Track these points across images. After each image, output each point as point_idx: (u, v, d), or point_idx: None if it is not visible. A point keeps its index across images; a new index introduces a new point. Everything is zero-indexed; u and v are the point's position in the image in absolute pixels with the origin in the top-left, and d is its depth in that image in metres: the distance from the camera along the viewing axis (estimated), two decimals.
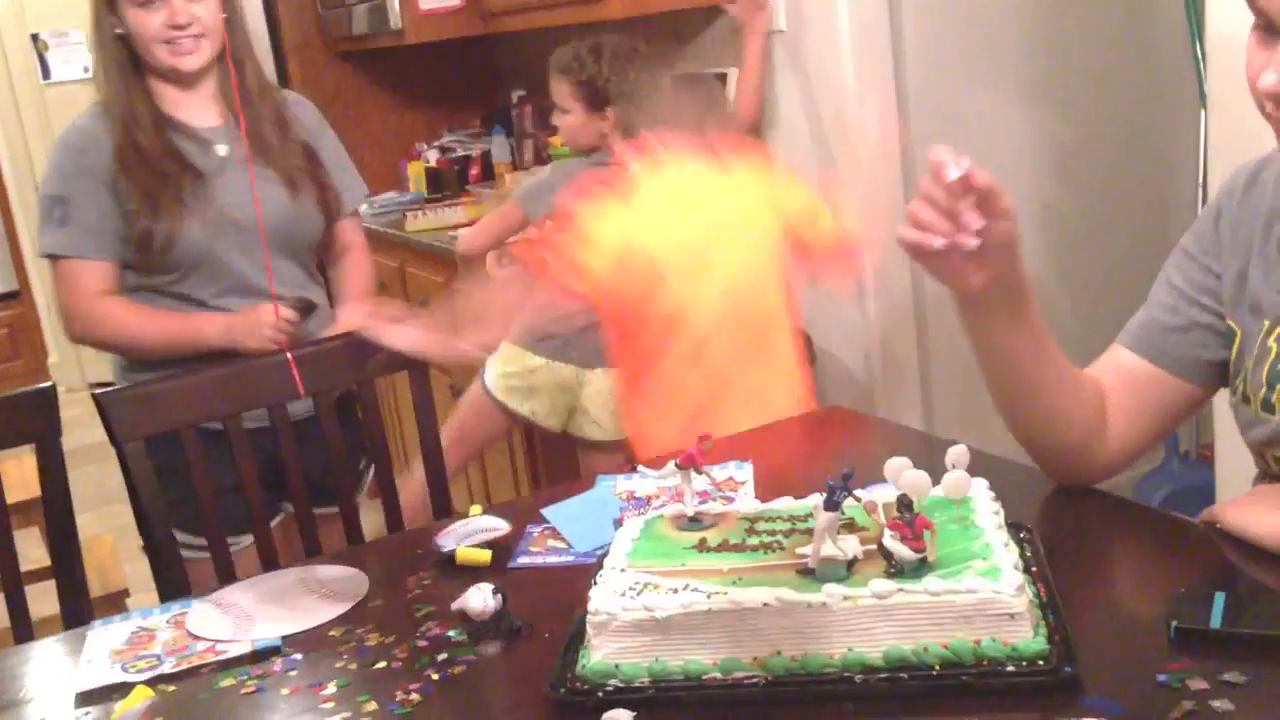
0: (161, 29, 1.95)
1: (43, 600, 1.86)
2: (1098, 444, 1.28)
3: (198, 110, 2.04)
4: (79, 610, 1.78)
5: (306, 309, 2.02)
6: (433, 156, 3.84)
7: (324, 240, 2.16)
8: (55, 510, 1.77)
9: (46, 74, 5.72)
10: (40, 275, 5.99)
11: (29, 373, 5.87)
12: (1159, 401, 1.27)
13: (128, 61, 2.00)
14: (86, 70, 5.65)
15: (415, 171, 3.81)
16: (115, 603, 2.63)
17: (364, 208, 3.68)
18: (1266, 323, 1.15)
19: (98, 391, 1.75)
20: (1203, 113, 2.64)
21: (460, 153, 3.84)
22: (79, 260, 1.99)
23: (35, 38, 5.67)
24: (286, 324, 1.97)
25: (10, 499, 1.76)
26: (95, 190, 1.96)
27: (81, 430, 3.38)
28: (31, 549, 2.27)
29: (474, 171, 3.74)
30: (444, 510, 1.89)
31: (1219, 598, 1.00)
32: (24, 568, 1.80)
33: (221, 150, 2.02)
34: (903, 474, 1.09)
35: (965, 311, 1.23)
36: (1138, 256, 3.04)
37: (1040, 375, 1.24)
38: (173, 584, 1.71)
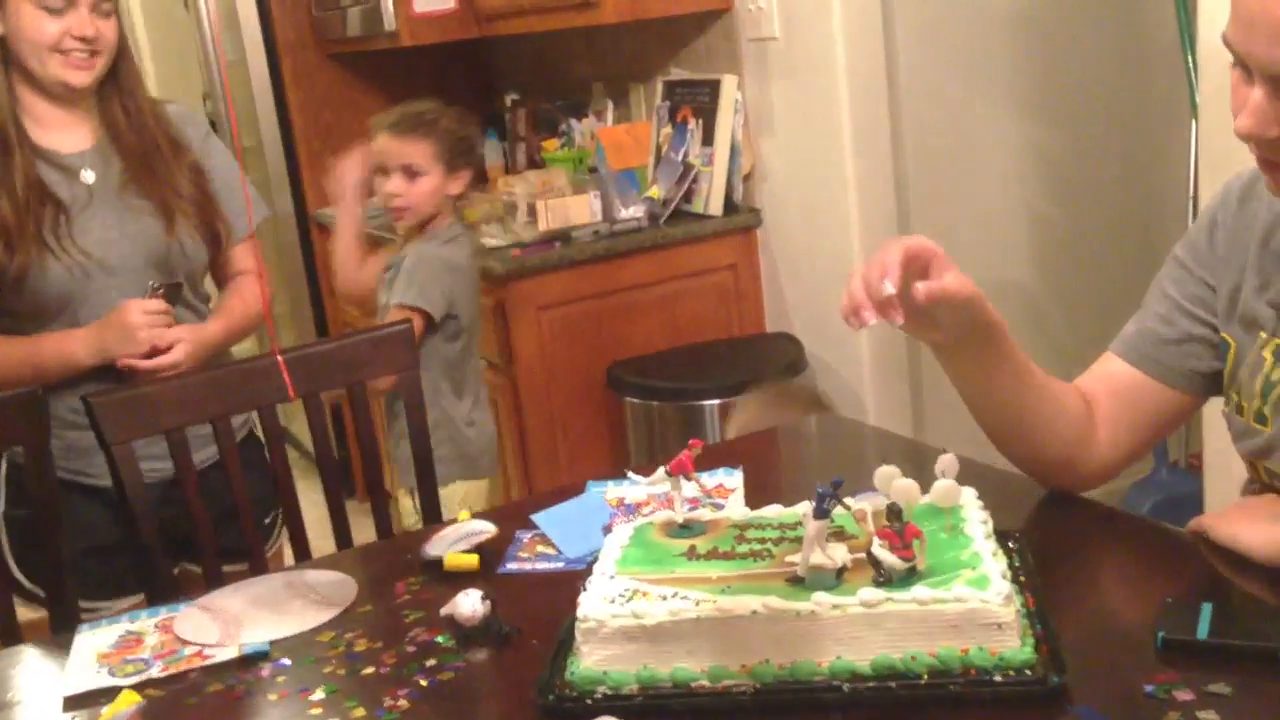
0: (60, 37, 1.77)
1: (28, 604, 1.85)
2: (1084, 454, 1.29)
3: (67, 132, 1.85)
4: (66, 615, 1.77)
5: (171, 292, 1.85)
6: None
7: (216, 269, 2.00)
8: (44, 516, 1.76)
9: None
10: None
11: None
12: (1150, 411, 1.28)
13: (3, 70, 1.79)
14: None
15: None
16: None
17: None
18: (1262, 335, 1.16)
19: (87, 394, 1.74)
20: (1194, 123, 2.64)
21: None
22: None
23: None
24: (158, 316, 1.81)
25: None
26: None
27: None
28: None
29: None
30: (434, 518, 1.89)
31: (1206, 608, 1.01)
32: None
33: (88, 177, 1.83)
34: (892, 482, 1.10)
35: (938, 354, 1.27)
36: (1128, 266, 3.06)
37: (1018, 401, 1.26)
38: (159, 590, 1.70)
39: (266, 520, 1.98)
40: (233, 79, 4.06)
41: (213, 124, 4.52)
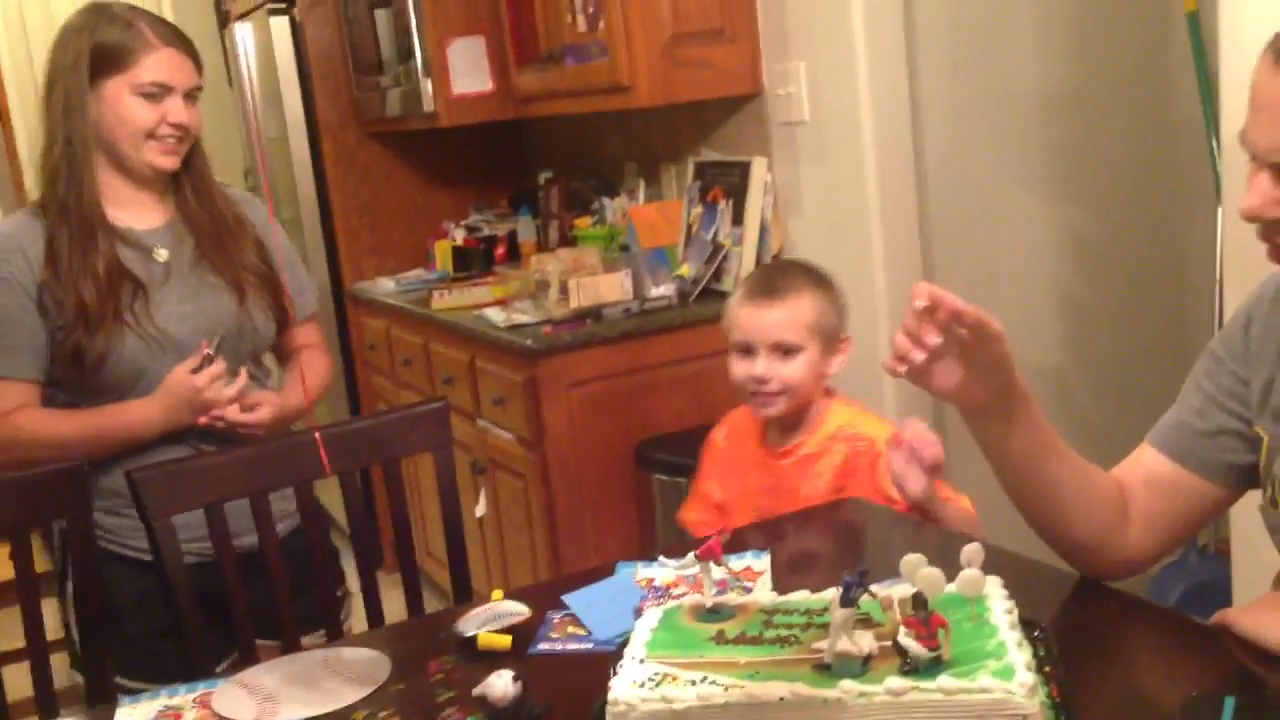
0: (156, 123, 1.84)
1: (59, 671, 1.87)
2: (1116, 542, 1.31)
3: (142, 210, 1.90)
4: (103, 683, 1.80)
5: (216, 350, 1.85)
6: (459, 235, 3.91)
7: (279, 345, 2.06)
8: (84, 587, 1.79)
9: None
10: None
11: None
12: (1186, 502, 1.30)
13: (93, 150, 1.85)
14: None
15: (442, 250, 3.88)
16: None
17: (390, 285, 3.80)
18: None
19: (129, 469, 1.78)
20: (1219, 207, 2.68)
21: (487, 232, 3.91)
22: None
23: None
24: (214, 377, 1.82)
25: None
26: (19, 306, 1.81)
27: None
28: (49, 616, 2.30)
29: (500, 251, 3.81)
30: (465, 594, 1.91)
31: (1229, 702, 1.02)
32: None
33: (162, 255, 1.88)
34: (918, 571, 1.11)
35: (970, 421, 1.30)
36: (1155, 346, 3.07)
37: (1047, 474, 1.28)
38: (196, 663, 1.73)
39: (339, 592, 2.01)
40: (274, 155, 4.17)
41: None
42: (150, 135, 1.85)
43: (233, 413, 1.85)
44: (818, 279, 1.95)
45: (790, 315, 1.88)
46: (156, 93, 1.84)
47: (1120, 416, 3.11)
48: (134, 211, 1.90)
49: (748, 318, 1.90)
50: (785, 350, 1.87)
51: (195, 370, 1.82)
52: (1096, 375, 3.05)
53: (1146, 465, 1.32)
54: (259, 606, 1.78)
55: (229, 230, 1.94)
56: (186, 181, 1.94)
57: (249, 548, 1.82)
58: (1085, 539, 1.31)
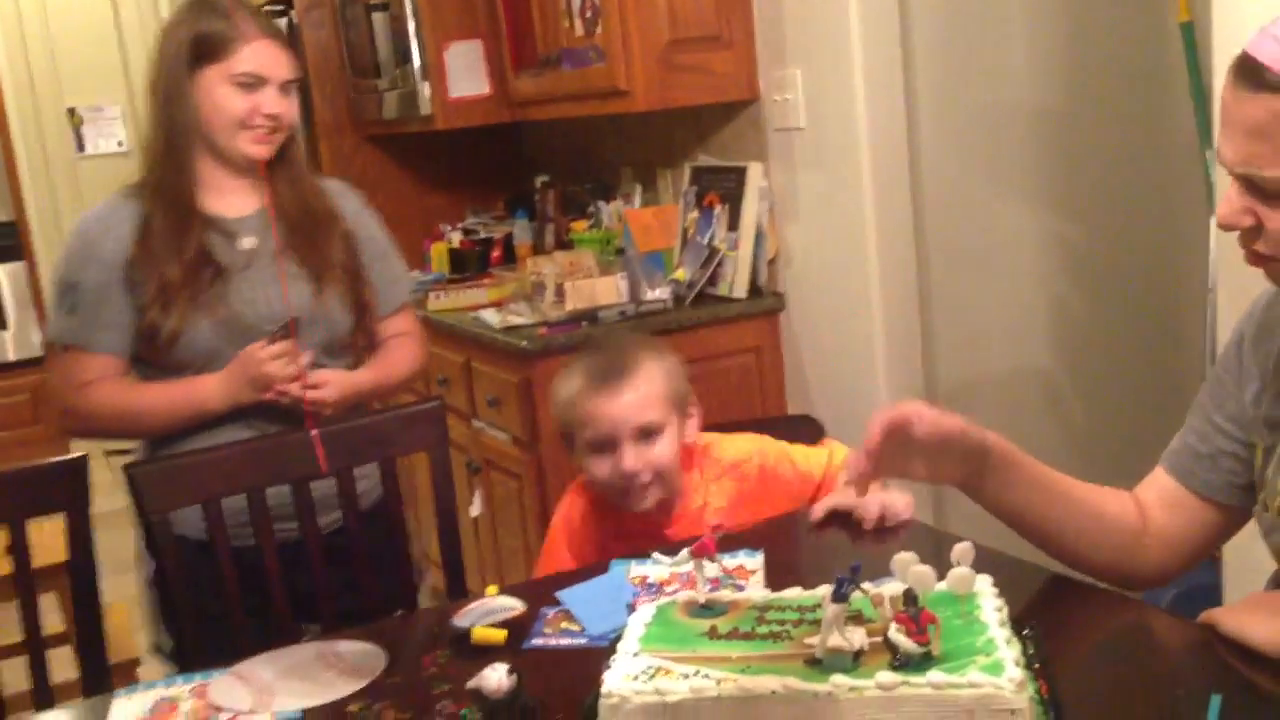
0: (250, 112, 1.89)
1: (57, 666, 1.88)
2: (1134, 560, 1.35)
3: (234, 198, 1.95)
4: (99, 676, 1.81)
5: (285, 331, 1.88)
6: (456, 238, 3.92)
7: (370, 335, 2.05)
8: (81, 580, 1.81)
9: (81, 147, 5.87)
10: None
11: (49, 439, 5.93)
12: (1196, 523, 1.34)
13: (193, 137, 1.90)
14: (121, 144, 5.82)
15: (438, 252, 3.89)
16: (127, 671, 2.66)
17: None
18: None
19: (127, 464, 1.79)
20: (1212, 217, 2.70)
21: (483, 235, 3.92)
22: (84, 352, 1.89)
23: (71, 111, 5.83)
24: (283, 354, 1.85)
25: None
26: (107, 281, 1.87)
27: (99, 497, 3.42)
28: (46, 614, 2.31)
29: (496, 254, 3.82)
30: (459, 590, 1.92)
31: (1215, 700, 1.03)
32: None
33: (247, 243, 1.93)
34: (909, 569, 1.13)
35: (967, 493, 1.36)
36: (1148, 356, 3.09)
37: (1050, 519, 1.34)
38: (191, 656, 1.74)
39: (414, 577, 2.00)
40: None
41: None
42: (244, 124, 1.89)
43: (295, 389, 1.87)
44: (651, 346, 1.81)
45: (644, 394, 1.70)
46: (251, 83, 1.88)
47: (1111, 426, 3.13)
48: (227, 199, 1.94)
49: (600, 409, 1.69)
50: (647, 433, 1.70)
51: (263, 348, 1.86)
52: (1088, 384, 3.07)
53: (1159, 486, 1.37)
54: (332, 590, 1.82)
55: (318, 221, 1.98)
56: (281, 171, 1.97)
57: (332, 525, 1.88)
58: (1101, 562, 1.36)
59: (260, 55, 1.89)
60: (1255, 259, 1.13)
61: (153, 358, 1.90)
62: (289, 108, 1.94)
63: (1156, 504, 1.36)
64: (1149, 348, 3.07)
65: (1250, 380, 1.27)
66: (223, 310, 1.87)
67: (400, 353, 2.07)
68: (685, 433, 1.76)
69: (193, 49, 1.87)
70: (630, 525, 1.75)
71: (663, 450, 1.70)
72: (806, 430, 2.87)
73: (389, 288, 2.07)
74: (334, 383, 1.91)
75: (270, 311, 1.90)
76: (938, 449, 1.28)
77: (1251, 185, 1.08)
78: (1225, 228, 1.11)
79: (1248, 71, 1.06)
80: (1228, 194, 1.11)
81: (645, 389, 1.70)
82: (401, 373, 2.06)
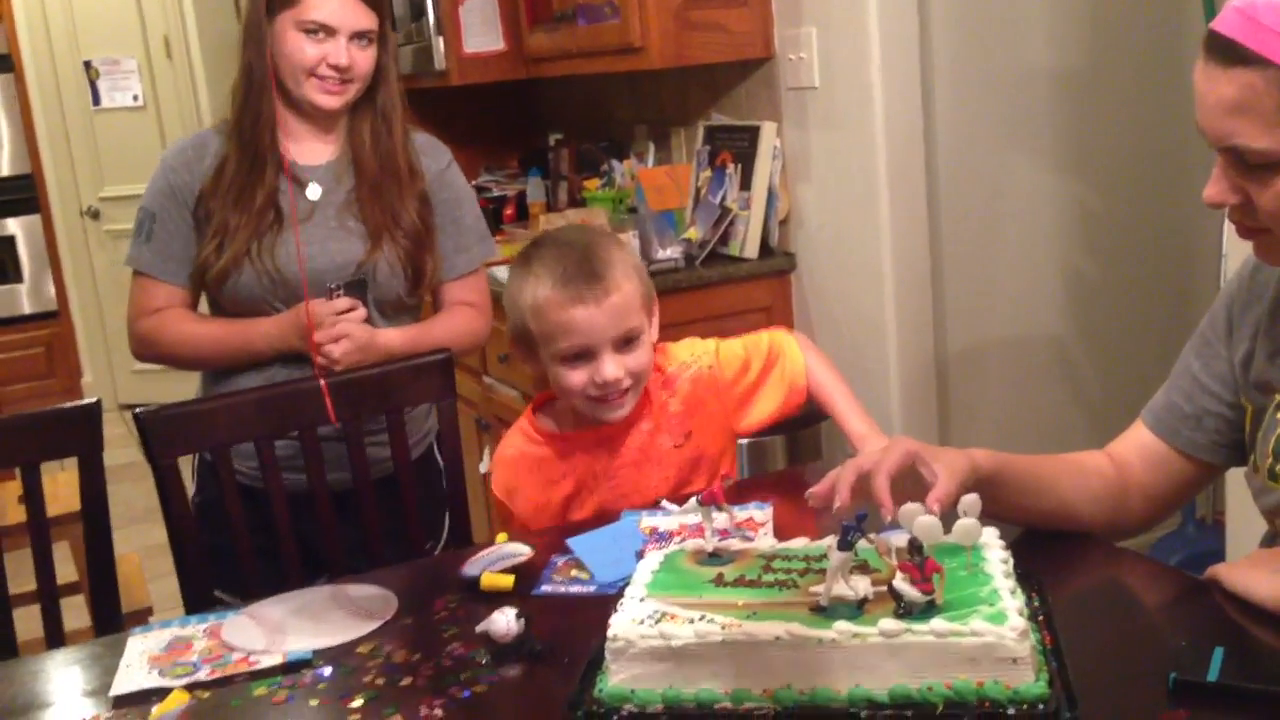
0: (317, 62, 1.89)
1: (68, 615, 1.91)
2: (1120, 515, 1.37)
3: (310, 144, 1.97)
4: (112, 624, 1.83)
5: (352, 289, 1.92)
6: None
7: (437, 299, 2.08)
8: (94, 525, 1.82)
9: (97, 100, 5.86)
10: (79, 296, 6.11)
11: (63, 391, 5.97)
12: (1176, 477, 1.36)
13: (270, 81, 1.90)
14: (137, 99, 5.81)
15: None
16: (139, 620, 2.68)
17: None
18: (1277, 397, 1.21)
19: (137, 410, 1.81)
20: None
21: (496, 193, 3.92)
22: (153, 280, 1.97)
23: (88, 65, 5.82)
24: (334, 310, 1.89)
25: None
26: (180, 214, 1.93)
27: (112, 449, 3.46)
28: (59, 564, 2.33)
29: (509, 211, 3.82)
30: (465, 540, 1.94)
31: (1218, 653, 1.04)
32: None
33: (314, 192, 1.95)
34: (915, 519, 1.14)
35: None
36: (1160, 320, 3.08)
37: (1047, 505, 1.35)
38: (200, 605, 1.76)
39: (428, 545, 1.98)
40: None
41: None
42: (311, 73, 1.90)
43: (323, 335, 1.88)
44: (616, 240, 1.68)
45: (625, 297, 1.57)
46: (318, 31, 1.88)
47: (1122, 390, 3.12)
48: (304, 144, 1.97)
49: (579, 318, 1.54)
50: (628, 340, 1.58)
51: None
52: (1100, 349, 3.07)
53: (1140, 442, 1.38)
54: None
55: (395, 177, 1.97)
56: (367, 122, 1.97)
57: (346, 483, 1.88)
58: (1093, 522, 1.37)
59: (333, 5, 1.88)
60: (1246, 232, 1.14)
61: (207, 293, 1.97)
62: (362, 59, 1.92)
63: (1137, 460, 1.37)
64: (1162, 314, 3.06)
65: (1240, 343, 1.28)
66: (270, 262, 1.90)
67: (453, 320, 2.06)
68: (654, 330, 1.65)
69: None
70: (580, 460, 1.65)
71: (641, 355, 1.59)
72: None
73: (456, 255, 2.05)
74: (348, 338, 1.91)
75: (317, 266, 1.91)
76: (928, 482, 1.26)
77: (1236, 160, 1.08)
78: (1213, 206, 1.13)
79: (1218, 48, 1.07)
80: (1215, 172, 1.12)
81: (625, 292, 1.57)
82: (442, 339, 2.01)
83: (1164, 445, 1.35)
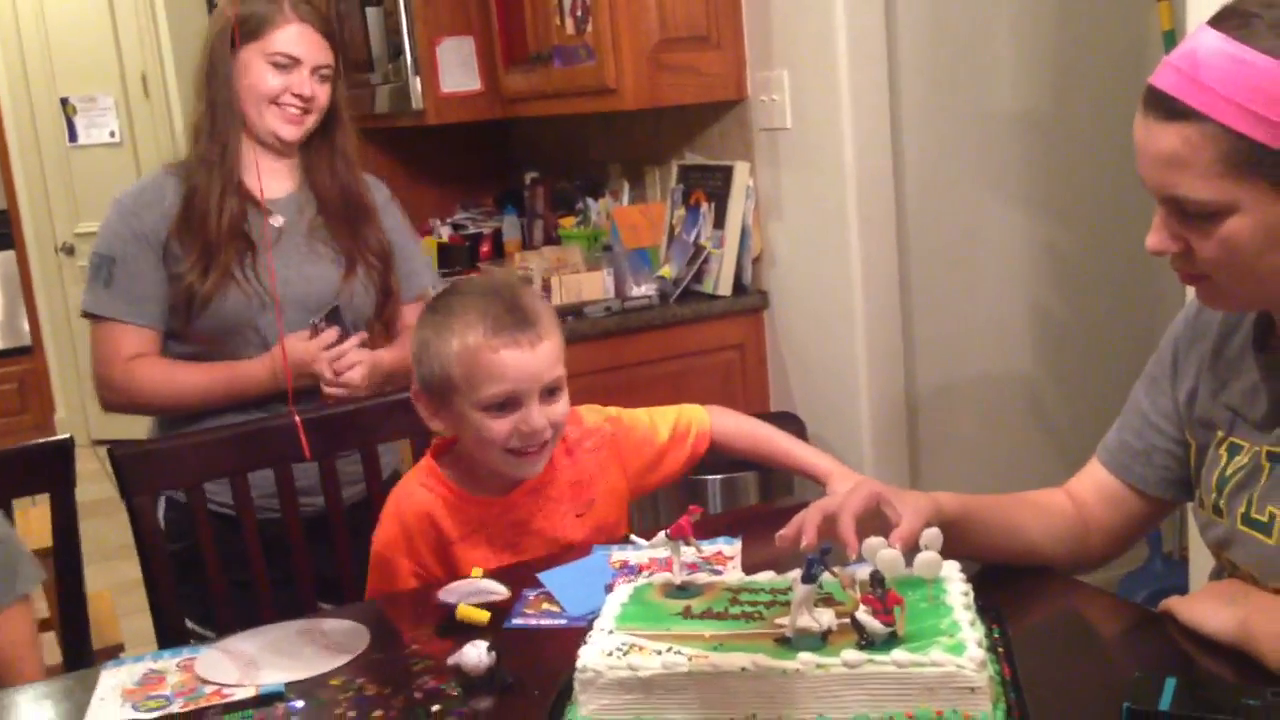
0: (281, 91, 1.98)
1: (46, 649, 1.90)
2: (1082, 551, 1.41)
3: (271, 179, 2.03)
4: (83, 661, 1.83)
5: (334, 315, 1.99)
6: (445, 232, 3.95)
7: (389, 324, 2.14)
8: (66, 562, 1.83)
9: (73, 137, 5.88)
10: (53, 332, 6.09)
11: (36, 427, 5.94)
12: (1129, 513, 1.40)
13: (235, 115, 1.99)
14: (113, 135, 5.82)
15: (427, 246, 3.91)
16: (110, 657, 2.67)
17: None
18: (1219, 434, 1.25)
19: (111, 447, 1.82)
20: None
21: (472, 230, 3.95)
22: (119, 324, 1.98)
23: (64, 102, 5.84)
24: (325, 344, 1.96)
25: None
26: (144, 255, 1.96)
27: (85, 485, 3.44)
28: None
29: (485, 249, 3.85)
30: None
31: (1170, 683, 1.07)
32: None
33: (276, 221, 2.01)
34: (877, 552, 1.16)
35: None
36: (1129, 360, 3.12)
37: (1011, 545, 1.38)
38: (174, 640, 1.76)
39: None
40: None
41: None
42: (274, 101, 1.99)
43: (334, 390, 1.95)
44: (534, 289, 1.64)
45: (553, 346, 1.54)
46: (286, 63, 1.98)
47: (1091, 427, 3.14)
48: (265, 180, 2.03)
49: (510, 365, 1.49)
50: (551, 390, 1.54)
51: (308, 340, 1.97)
52: (1069, 387, 3.11)
53: (1096, 479, 1.42)
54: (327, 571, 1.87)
55: (355, 207, 2.08)
56: (325, 159, 2.08)
57: (319, 510, 1.90)
58: (1056, 559, 1.41)
59: (297, 38, 1.98)
60: (1188, 279, 1.18)
61: (182, 328, 1.99)
62: (321, 92, 2.02)
63: (1094, 497, 1.41)
64: (1130, 352, 3.10)
65: (1184, 381, 1.32)
66: (255, 284, 1.96)
67: (402, 343, 2.12)
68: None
69: (238, 28, 1.98)
70: (480, 513, 1.59)
71: (561, 407, 1.55)
72: (788, 428, 2.90)
73: (409, 279, 2.16)
74: (361, 363, 1.98)
75: (296, 290, 1.99)
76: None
77: (1176, 210, 1.12)
78: (1155, 253, 1.17)
79: (1157, 103, 1.11)
80: (1155, 221, 1.16)
81: (554, 340, 1.54)
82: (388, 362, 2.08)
83: (1117, 482, 1.39)
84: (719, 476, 2.69)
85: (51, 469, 1.79)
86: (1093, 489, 1.41)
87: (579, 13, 2.96)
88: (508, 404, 1.51)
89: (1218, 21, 1.09)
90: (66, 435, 1.84)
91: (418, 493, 1.60)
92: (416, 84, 3.52)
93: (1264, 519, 1.16)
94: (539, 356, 1.51)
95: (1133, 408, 1.40)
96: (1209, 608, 1.18)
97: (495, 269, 2.89)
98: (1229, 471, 1.21)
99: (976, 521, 1.35)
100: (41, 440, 1.81)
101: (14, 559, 1.58)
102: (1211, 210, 1.09)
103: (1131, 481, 1.38)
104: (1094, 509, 1.41)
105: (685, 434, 1.76)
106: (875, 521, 1.27)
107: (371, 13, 3.71)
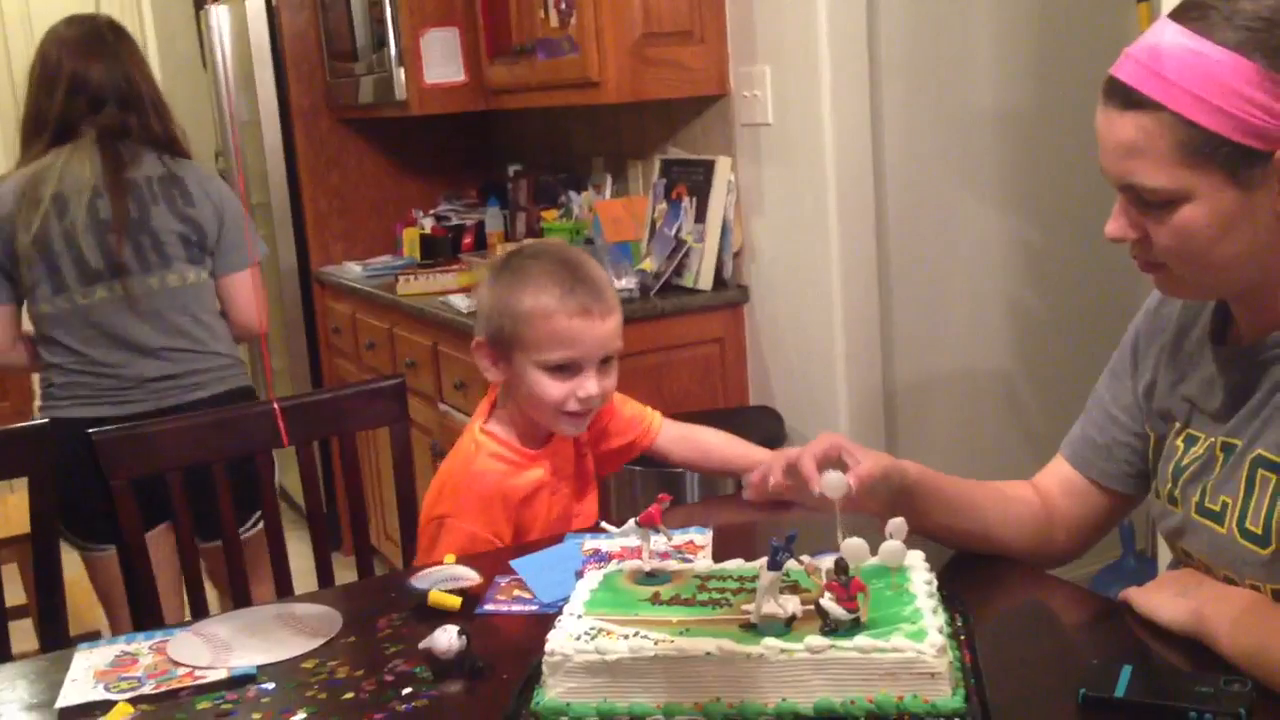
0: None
1: (16, 637, 1.91)
2: (1046, 545, 1.42)
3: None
4: (60, 646, 1.84)
5: None
6: (428, 224, 3.95)
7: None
8: (43, 546, 1.84)
9: None
10: None
11: (15, 414, 5.91)
12: (1093, 508, 1.42)
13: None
14: None
15: (410, 237, 3.92)
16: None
17: (358, 270, 3.84)
18: (1176, 425, 1.27)
19: (92, 430, 1.82)
20: None
21: (455, 221, 3.96)
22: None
23: None
24: None
25: None
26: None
27: None
28: (7, 586, 2.33)
29: (467, 240, 3.85)
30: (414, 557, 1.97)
31: (1126, 670, 1.09)
32: None
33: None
34: (843, 540, 1.18)
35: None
36: (1103, 355, 3.13)
37: (971, 525, 1.41)
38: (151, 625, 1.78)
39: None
40: (246, 138, 4.20)
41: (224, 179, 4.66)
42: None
43: None
44: (599, 262, 1.73)
45: (618, 322, 1.63)
46: None
47: (1066, 423, 3.17)
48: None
49: (581, 332, 1.58)
50: (607, 360, 1.64)
51: None
52: (1045, 382, 3.14)
53: (1061, 474, 1.44)
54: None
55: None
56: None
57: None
58: (1018, 550, 1.42)
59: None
60: (1147, 267, 1.21)
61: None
62: None
63: (1058, 491, 1.43)
64: (1105, 348, 3.09)
65: (1144, 373, 1.34)
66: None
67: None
68: None
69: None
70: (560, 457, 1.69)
71: (613, 379, 1.66)
72: (767, 421, 2.93)
73: (231, 254, 2.50)
74: None
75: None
76: (865, 491, 1.32)
77: (1135, 199, 1.15)
78: (1114, 240, 1.19)
79: (1115, 92, 1.14)
80: (1115, 209, 1.18)
81: (618, 314, 1.64)
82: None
83: (1080, 477, 1.41)
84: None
85: (30, 453, 1.80)
86: (1057, 483, 1.43)
87: (563, 5, 2.97)
88: (569, 368, 1.60)
89: (1177, 14, 1.12)
90: (44, 420, 1.84)
91: (484, 463, 1.66)
92: (400, 75, 3.52)
93: (1216, 508, 1.19)
94: (606, 327, 1.61)
95: (1096, 402, 1.42)
96: (1163, 598, 1.20)
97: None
98: (1185, 462, 1.24)
99: (934, 492, 1.37)
100: (19, 424, 1.82)
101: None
102: (1166, 198, 1.12)
103: (1094, 476, 1.40)
104: (1059, 503, 1.43)
105: (640, 420, 1.85)
106: (839, 466, 1.33)
107: (356, 3, 3.72)
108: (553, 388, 1.60)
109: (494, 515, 1.64)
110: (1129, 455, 1.37)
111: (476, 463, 1.67)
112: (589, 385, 1.60)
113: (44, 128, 2.32)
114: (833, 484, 1.24)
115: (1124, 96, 1.13)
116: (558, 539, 1.59)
